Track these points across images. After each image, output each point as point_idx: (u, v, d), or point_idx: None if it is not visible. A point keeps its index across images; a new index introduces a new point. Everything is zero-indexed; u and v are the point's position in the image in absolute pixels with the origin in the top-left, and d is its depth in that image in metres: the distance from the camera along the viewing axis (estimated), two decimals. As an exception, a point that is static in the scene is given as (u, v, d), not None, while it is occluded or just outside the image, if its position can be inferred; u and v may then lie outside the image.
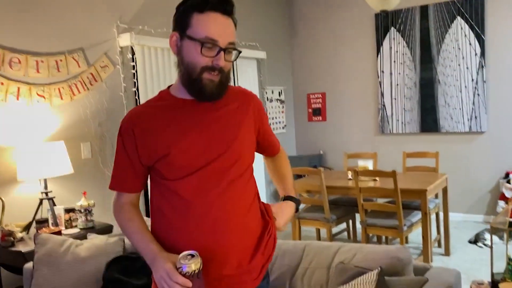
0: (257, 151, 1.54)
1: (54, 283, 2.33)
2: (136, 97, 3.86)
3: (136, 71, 3.87)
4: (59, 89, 3.36)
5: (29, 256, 2.61)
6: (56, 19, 3.35)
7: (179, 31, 1.29)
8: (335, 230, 4.82)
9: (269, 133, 1.57)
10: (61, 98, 3.38)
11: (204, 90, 1.28)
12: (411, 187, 3.57)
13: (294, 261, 2.22)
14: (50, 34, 3.31)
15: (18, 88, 3.11)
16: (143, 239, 1.32)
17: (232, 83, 5.54)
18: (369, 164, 3.99)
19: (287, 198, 1.57)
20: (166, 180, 1.31)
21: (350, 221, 4.44)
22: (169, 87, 1.40)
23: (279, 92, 6.02)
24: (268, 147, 1.59)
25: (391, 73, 5.50)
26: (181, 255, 1.19)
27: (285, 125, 6.12)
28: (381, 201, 4.29)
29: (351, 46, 5.80)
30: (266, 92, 5.73)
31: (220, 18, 1.26)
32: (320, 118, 6.14)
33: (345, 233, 4.82)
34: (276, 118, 5.93)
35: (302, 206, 4.82)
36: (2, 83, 3.01)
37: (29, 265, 2.49)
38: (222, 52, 1.26)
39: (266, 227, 1.43)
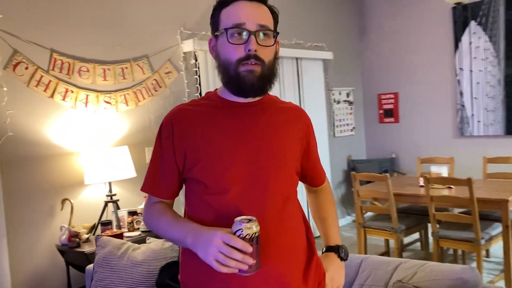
0: (303, 180, 1.41)
1: (110, 285, 2.39)
2: (198, 102, 3.90)
3: (199, 76, 3.91)
4: (124, 96, 3.49)
5: (91, 257, 2.71)
6: (122, 29, 3.48)
7: (213, 34, 1.24)
8: (407, 239, 4.53)
9: (316, 158, 1.42)
10: (127, 104, 3.50)
11: (244, 82, 1.16)
12: (490, 196, 3.22)
13: (348, 276, 2.08)
14: (117, 43, 3.45)
15: (87, 96, 3.27)
16: (179, 223, 1.18)
17: (296, 86, 5.40)
18: (443, 170, 3.68)
19: (330, 249, 1.38)
20: (206, 194, 1.19)
21: (423, 231, 4.13)
22: (216, 89, 1.32)
23: (347, 93, 5.80)
24: (313, 175, 1.42)
25: (471, 70, 5.05)
26: (237, 218, 1.05)
27: (353, 127, 5.88)
28: (457, 211, 3.95)
29: (426, 43, 5.43)
30: (333, 94, 5.55)
31: (246, 4, 1.18)
32: (393, 119, 5.82)
33: (418, 244, 4.50)
34: (343, 120, 5.72)
35: (369, 214, 4.58)
36: (72, 91, 3.18)
37: (90, 266, 2.59)
38: (252, 36, 1.15)
39: (311, 259, 1.29)
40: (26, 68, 2.97)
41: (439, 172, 3.65)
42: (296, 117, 1.33)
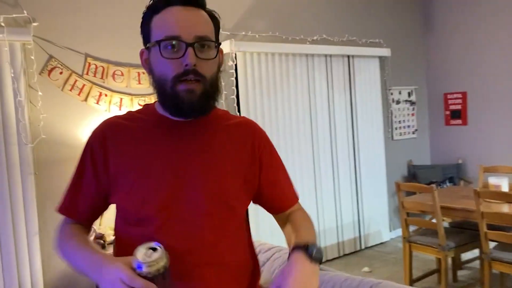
0: (260, 204, 1.21)
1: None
2: (235, 105, 3.81)
3: (237, 78, 3.82)
4: (159, 99, 3.50)
5: (111, 260, 2.75)
6: (157, 31, 3.50)
7: (145, 45, 1.11)
8: (468, 255, 4.08)
9: (276, 177, 1.20)
10: (162, 107, 3.51)
11: (182, 103, 1.03)
12: (557, 215, 2.76)
13: (353, 303, 1.87)
14: (152, 46, 3.46)
15: (121, 99, 3.33)
16: (85, 251, 1.03)
17: (346, 85, 5.07)
18: (504, 182, 3.23)
19: (297, 248, 1.03)
20: (129, 224, 1.07)
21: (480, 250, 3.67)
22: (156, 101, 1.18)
23: (409, 93, 5.37)
24: (272, 198, 1.20)
25: (552, 67, 4.42)
26: (138, 249, 0.91)
27: (415, 130, 5.44)
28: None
29: (498, 36, 4.84)
30: (392, 93, 5.16)
31: (180, 10, 1.03)
32: (460, 121, 5.29)
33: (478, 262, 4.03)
34: (404, 121, 5.31)
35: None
36: (106, 95, 3.26)
37: (107, 269, 2.62)
38: (190, 49, 1.00)
39: None
40: (61, 73, 3.08)
41: (498, 184, 3.21)
42: (245, 133, 1.17)
